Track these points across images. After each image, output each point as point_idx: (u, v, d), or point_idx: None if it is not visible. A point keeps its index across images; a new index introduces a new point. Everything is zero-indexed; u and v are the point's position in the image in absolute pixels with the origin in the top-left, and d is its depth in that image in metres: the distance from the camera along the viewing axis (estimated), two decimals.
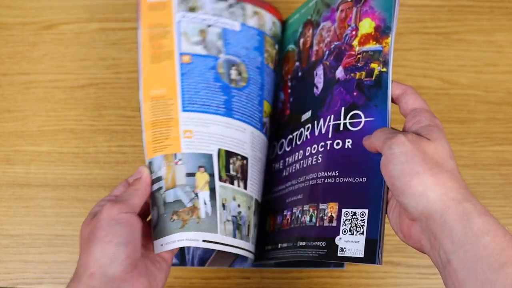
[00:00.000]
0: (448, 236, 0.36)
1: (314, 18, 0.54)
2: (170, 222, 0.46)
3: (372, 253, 0.40)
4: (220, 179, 0.48)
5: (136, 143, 0.64)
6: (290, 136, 0.54)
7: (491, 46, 0.68)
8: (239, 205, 0.49)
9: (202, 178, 0.48)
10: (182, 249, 0.57)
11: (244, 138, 0.51)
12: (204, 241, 0.46)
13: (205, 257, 0.57)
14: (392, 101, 0.45)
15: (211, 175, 0.48)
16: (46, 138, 0.65)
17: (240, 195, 0.49)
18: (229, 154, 0.50)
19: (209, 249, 0.48)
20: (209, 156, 0.49)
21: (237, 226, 0.49)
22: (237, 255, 0.56)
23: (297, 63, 0.55)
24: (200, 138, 0.49)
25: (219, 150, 0.49)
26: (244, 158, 0.51)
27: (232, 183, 0.49)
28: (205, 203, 0.47)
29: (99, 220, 0.43)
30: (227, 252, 0.49)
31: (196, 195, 0.47)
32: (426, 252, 0.39)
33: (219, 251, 0.56)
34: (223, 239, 0.47)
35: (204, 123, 0.50)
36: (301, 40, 0.56)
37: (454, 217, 0.36)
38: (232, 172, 0.49)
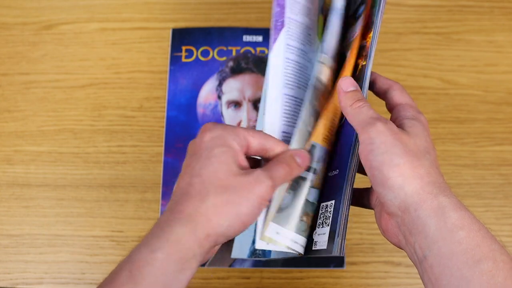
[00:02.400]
0: (422, 231, 0.35)
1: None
2: (299, 220, 0.43)
3: (331, 243, 0.40)
4: None
5: (136, 143, 0.64)
6: None
7: (491, 46, 0.68)
8: None
9: None
10: None
11: None
12: (303, 247, 0.43)
13: None
14: (379, 96, 0.45)
15: None
16: (46, 138, 0.65)
17: None
18: None
19: (252, 253, 0.46)
20: None
21: None
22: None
23: None
24: None
25: None
26: None
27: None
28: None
29: (252, 193, 0.37)
30: (228, 252, 0.48)
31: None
32: (402, 248, 0.39)
33: (219, 250, 0.56)
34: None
35: None
36: None
37: (429, 211, 0.35)
38: None
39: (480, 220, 0.36)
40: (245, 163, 0.39)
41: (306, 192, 0.43)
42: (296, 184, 0.43)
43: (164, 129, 0.64)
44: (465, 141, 0.65)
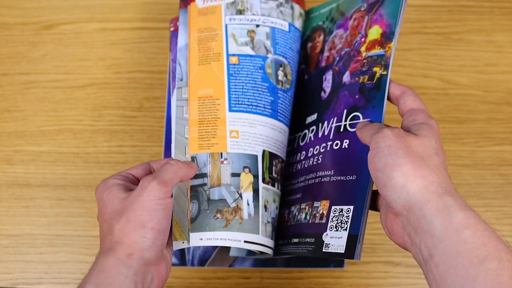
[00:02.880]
0: (428, 231, 0.36)
1: (327, 26, 0.55)
2: (213, 219, 0.46)
3: (351, 248, 0.41)
4: (264, 180, 0.49)
5: (136, 143, 0.64)
6: (292, 137, 0.54)
7: (491, 46, 0.68)
8: (277, 207, 0.50)
9: (246, 178, 0.48)
10: (182, 249, 0.57)
11: (284, 140, 0.52)
12: (245, 242, 0.46)
13: (205, 257, 0.57)
14: (392, 101, 0.46)
15: (255, 176, 0.48)
16: (46, 138, 0.65)
17: (278, 197, 0.50)
18: (272, 156, 0.50)
19: (250, 250, 0.48)
20: (254, 157, 0.49)
21: (274, 227, 0.49)
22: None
23: (302, 66, 0.56)
24: (246, 138, 0.49)
25: (264, 152, 0.50)
26: (283, 161, 0.52)
27: (273, 185, 0.50)
28: (248, 204, 0.47)
29: (143, 200, 0.40)
30: (227, 252, 0.49)
31: (240, 195, 0.47)
32: (408, 249, 0.39)
33: (219, 250, 0.56)
34: (265, 240, 0.47)
35: (251, 123, 0.50)
36: (309, 44, 0.56)
37: (434, 210, 0.36)
38: (274, 174, 0.50)
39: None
40: (133, 187, 0.43)
41: (207, 195, 0.47)
42: (196, 193, 0.47)
43: (164, 129, 0.64)
44: (465, 141, 0.65)
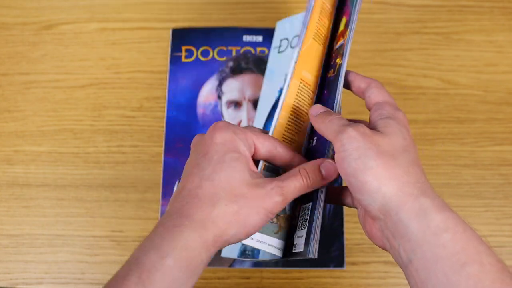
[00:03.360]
0: (405, 235, 0.34)
1: None
2: (269, 222, 0.42)
3: (307, 246, 0.39)
4: None
5: (136, 143, 0.64)
6: None
7: (491, 46, 0.68)
8: None
9: None
10: None
11: None
12: (277, 248, 0.43)
13: None
14: (359, 95, 0.43)
15: None
16: (46, 138, 0.65)
17: None
18: None
19: (243, 253, 0.46)
20: None
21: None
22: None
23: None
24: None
25: None
26: None
27: None
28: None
29: (259, 206, 0.37)
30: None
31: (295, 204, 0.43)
32: (388, 251, 0.38)
33: (219, 250, 0.56)
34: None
35: None
36: None
37: (410, 214, 0.34)
38: None
39: (474, 221, 0.35)
40: (254, 168, 0.39)
41: None
42: None
43: (164, 129, 0.64)
44: (465, 141, 0.65)
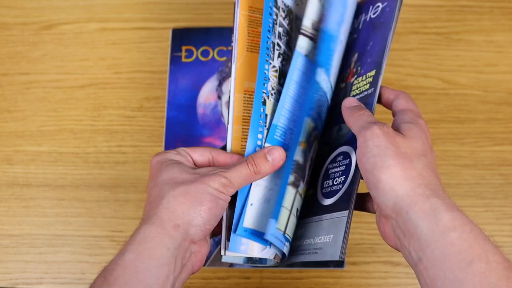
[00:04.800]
0: (415, 234, 0.36)
1: None
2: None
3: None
4: None
5: (136, 143, 0.64)
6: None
7: (491, 46, 0.68)
8: None
9: None
10: None
11: None
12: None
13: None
14: (387, 107, 0.46)
15: None
16: (46, 138, 0.65)
17: None
18: None
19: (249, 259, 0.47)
20: None
21: None
22: None
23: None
24: None
25: None
26: None
27: None
28: None
29: (208, 185, 0.39)
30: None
31: None
32: (400, 250, 0.39)
33: (219, 250, 0.56)
34: None
35: None
36: None
37: (420, 213, 0.35)
38: None
39: (473, 221, 0.36)
40: (194, 167, 0.42)
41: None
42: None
43: (164, 129, 0.64)
44: (465, 141, 0.65)
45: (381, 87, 0.46)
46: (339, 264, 0.57)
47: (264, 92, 0.45)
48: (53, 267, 0.60)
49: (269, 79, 0.46)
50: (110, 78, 0.67)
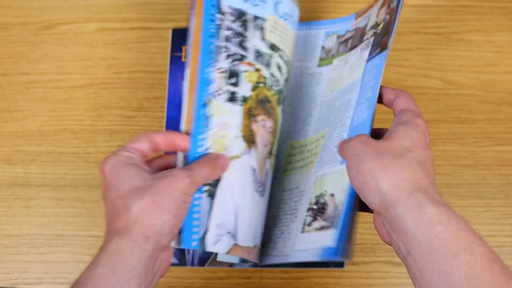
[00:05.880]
0: (402, 228, 0.36)
1: None
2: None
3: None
4: None
5: None
6: None
7: (492, 46, 0.68)
8: None
9: None
10: (182, 249, 0.57)
11: None
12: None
13: (205, 257, 0.57)
14: (389, 107, 0.47)
15: None
16: (46, 138, 0.65)
17: None
18: None
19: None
20: None
21: None
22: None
23: None
24: None
25: None
26: None
27: None
28: None
29: (173, 189, 0.40)
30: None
31: None
32: (391, 245, 0.40)
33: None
34: None
35: None
36: None
37: (405, 208, 0.36)
38: None
39: (474, 221, 0.37)
40: (150, 169, 0.43)
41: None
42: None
43: (164, 129, 0.64)
44: (466, 141, 0.65)
45: (381, 87, 0.46)
46: (339, 264, 0.57)
47: (205, 94, 0.47)
48: (53, 267, 0.60)
49: (212, 81, 0.48)
50: (110, 78, 0.67)
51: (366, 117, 0.46)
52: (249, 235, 0.48)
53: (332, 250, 0.43)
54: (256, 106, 0.50)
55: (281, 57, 0.53)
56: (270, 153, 0.51)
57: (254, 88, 0.50)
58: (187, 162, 0.46)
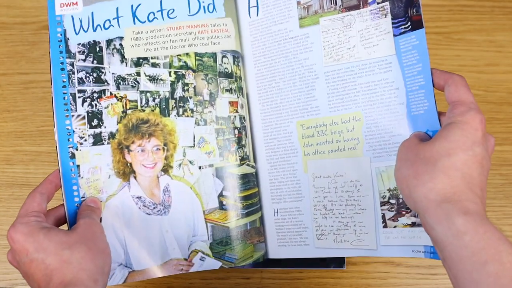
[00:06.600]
0: (433, 237, 0.38)
1: None
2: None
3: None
4: None
5: None
6: None
7: (492, 45, 0.68)
8: None
9: None
10: None
11: None
12: None
13: None
14: (439, 90, 0.44)
15: None
16: (46, 138, 0.64)
17: None
18: None
19: None
20: None
21: None
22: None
23: None
24: None
25: None
26: None
27: None
28: None
29: (94, 231, 0.46)
30: None
31: None
32: None
33: None
34: None
35: None
36: None
37: (434, 219, 0.37)
38: None
39: (490, 222, 0.36)
40: (48, 225, 0.45)
41: None
42: None
43: None
44: None
45: (431, 70, 0.45)
46: (339, 264, 0.57)
47: (70, 147, 0.48)
48: None
49: (73, 132, 0.49)
50: None
51: (428, 109, 0.45)
52: (152, 255, 0.50)
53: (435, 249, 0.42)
54: (127, 136, 0.50)
55: (154, 65, 0.51)
56: (167, 167, 0.51)
57: (121, 119, 0.50)
58: (69, 216, 0.48)
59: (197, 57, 0.52)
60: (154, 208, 0.50)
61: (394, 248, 0.48)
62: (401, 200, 0.47)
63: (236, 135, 0.53)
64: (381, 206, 0.48)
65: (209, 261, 0.51)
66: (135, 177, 0.50)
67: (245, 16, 0.54)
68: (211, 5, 0.52)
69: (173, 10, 0.52)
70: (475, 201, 0.37)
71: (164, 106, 0.51)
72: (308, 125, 0.52)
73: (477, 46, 0.68)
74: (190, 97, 0.52)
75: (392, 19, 0.48)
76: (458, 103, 0.41)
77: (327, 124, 0.51)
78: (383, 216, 0.48)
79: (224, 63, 0.53)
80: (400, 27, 0.47)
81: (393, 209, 0.47)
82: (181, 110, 0.51)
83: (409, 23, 0.47)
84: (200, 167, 0.51)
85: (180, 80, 0.51)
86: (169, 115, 0.51)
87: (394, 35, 0.48)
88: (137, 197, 0.50)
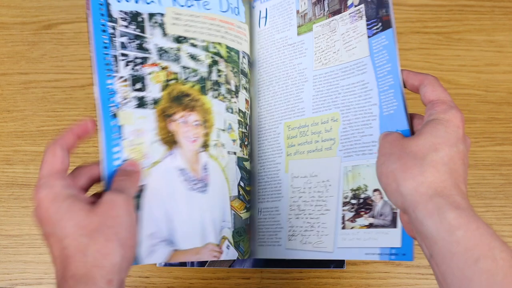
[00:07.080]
0: (423, 232, 0.36)
1: None
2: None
3: None
4: None
5: None
6: None
7: (492, 45, 0.68)
8: None
9: None
10: None
11: None
12: None
13: None
14: (414, 92, 0.44)
15: None
16: (46, 138, 0.64)
17: None
18: None
19: None
20: None
21: None
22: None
23: None
24: None
25: None
26: None
27: None
28: None
29: (118, 216, 0.39)
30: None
31: None
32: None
33: None
34: None
35: None
36: None
37: (424, 212, 0.36)
38: None
39: (480, 218, 0.36)
40: (87, 198, 0.41)
41: None
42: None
43: None
44: None
45: (403, 71, 0.45)
46: (339, 264, 0.57)
47: (112, 106, 0.46)
48: (52, 267, 0.60)
49: (115, 92, 0.46)
50: None
51: (397, 108, 0.44)
52: (193, 236, 0.47)
53: (399, 250, 0.42)
54: (171, 105, 0.49)
55: (193, 45, 0.51)
56: (206, 145, 0.50)
57: (164, 87, 0.49)
58: (107, 177, 0.44)
59: (227, 49, 0.53)
60: (195, 184, 0.48)
61: (348, 251, 0.47)
62: (361, 201, 0.46)
63: (248, 131, 0.54)
64: (342, 206, 0.48)
65: (231, 251, 0.50)
66: (179, 148, 0.48)
67: (256, 26, 0.57)
68: (237, 9, 0.55)
69: (208, 3, 0.53)
70: (463, 196, 0.37)
71: (203, 85, 0.51)
72: (293, 126, 0.53)
73: (477, 46, 0.68)
74: (222, 83, 0.52)
75: (366, 20, 0.48)
76: (438, 101, 0.41)
77: (308, 125, 0.52)
78: (343, 217, 0.48)
79: (243, 62, 0.55)
80: (373, 28, 0.47)
81: (352, 209, 0.47)
82: (216, 93, 0.52)
83: (380, 24, 0.47)
84: (228, 152, 0.51)
85: (215, 65, 0.52)
86: (206, 95, 0.51)
87: (368, 37, 0.48)
88: (180, 169, 0.48)
